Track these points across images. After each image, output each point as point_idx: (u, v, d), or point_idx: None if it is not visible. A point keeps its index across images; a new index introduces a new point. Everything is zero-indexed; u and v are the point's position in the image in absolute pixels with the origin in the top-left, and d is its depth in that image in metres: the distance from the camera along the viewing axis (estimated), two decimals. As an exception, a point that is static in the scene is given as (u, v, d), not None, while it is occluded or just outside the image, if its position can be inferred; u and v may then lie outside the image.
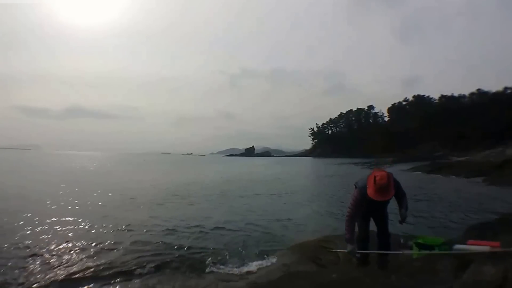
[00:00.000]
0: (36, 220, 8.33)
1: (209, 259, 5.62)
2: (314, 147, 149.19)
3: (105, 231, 7.67)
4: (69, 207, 10.62)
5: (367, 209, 4.01)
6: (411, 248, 4.39)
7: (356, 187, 4.07)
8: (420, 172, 28.91)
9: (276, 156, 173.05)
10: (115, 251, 6.06)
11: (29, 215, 8.93)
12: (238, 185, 19.88)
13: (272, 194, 15.45)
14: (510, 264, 2.85)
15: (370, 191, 3.72)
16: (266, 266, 5.21)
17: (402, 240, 4.95)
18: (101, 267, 5.14)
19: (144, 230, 7.75)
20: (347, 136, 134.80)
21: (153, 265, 5.25)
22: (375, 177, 3.70)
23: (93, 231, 7.63)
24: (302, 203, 12.97)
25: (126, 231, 7.66)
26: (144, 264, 5.27)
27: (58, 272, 4.92)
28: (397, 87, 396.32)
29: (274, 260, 5.43)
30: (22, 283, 4.53)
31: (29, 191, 13.99)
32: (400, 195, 3.99)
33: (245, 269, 5.19)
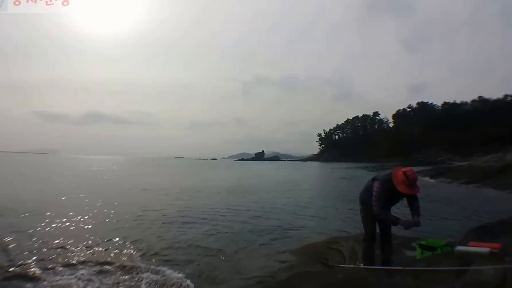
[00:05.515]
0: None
1: (220, 257, 5.66)
2: (322, 152, 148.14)
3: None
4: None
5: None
6: (414, 250, 4.35)
7: (375, 180, 3.74)
8: (423, 176, 28.34)
9: (285, 160, 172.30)
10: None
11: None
12: (253, 186, 20.40)
13: (287, 197, 15.49)
14: (509, 265, 2.81)
15: (401, 187, 3.43)
16: (275, 266, 5.14)
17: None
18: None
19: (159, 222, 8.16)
20: (353, 141, 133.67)
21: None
22: (405, 172, 3.43)
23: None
24: (310, 204, 12.93)
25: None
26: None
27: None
28: (402, 94, 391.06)
29: (283, 260, 5.40)
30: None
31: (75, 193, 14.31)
32: (412, 198, 3.68)
33: (254, 268, 5.12)
